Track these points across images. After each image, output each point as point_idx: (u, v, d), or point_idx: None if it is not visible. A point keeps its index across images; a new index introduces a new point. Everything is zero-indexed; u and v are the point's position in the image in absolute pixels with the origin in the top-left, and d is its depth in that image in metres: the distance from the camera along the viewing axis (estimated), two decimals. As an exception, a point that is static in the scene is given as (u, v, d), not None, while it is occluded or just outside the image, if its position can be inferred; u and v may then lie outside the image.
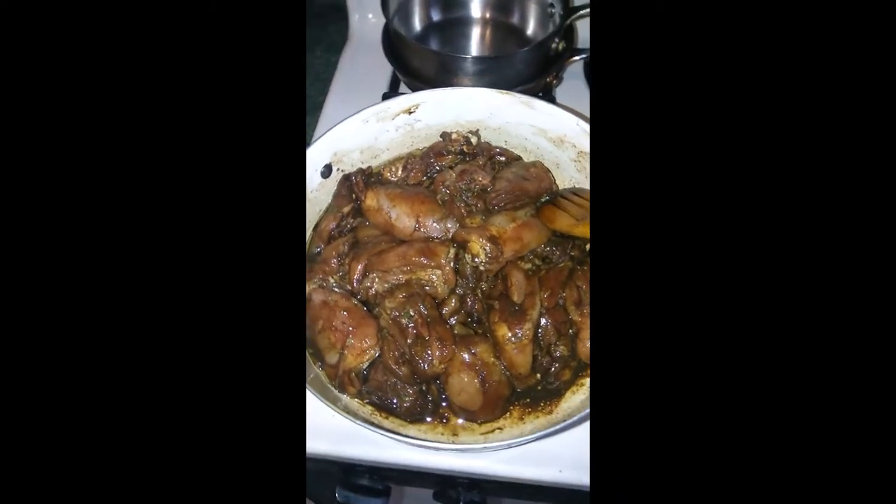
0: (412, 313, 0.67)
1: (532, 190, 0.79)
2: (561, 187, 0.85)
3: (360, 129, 0.80)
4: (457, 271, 0.71)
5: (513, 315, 0.68)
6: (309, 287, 0.72)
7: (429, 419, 0.70)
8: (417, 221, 0.74)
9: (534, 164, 0.83)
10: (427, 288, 0.70)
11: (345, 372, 0.67)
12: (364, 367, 0.69)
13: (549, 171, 0.83)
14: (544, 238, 0.75)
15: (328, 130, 0.79)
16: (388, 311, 0.68)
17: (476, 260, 0.71)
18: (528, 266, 0.75)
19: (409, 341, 0.67)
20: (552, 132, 0.82)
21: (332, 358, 0.68)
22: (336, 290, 0.71)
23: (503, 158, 0.84)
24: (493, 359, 0.68)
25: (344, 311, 0.68)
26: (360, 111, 0.79)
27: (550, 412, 0.71)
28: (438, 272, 0.70)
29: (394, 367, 0.67)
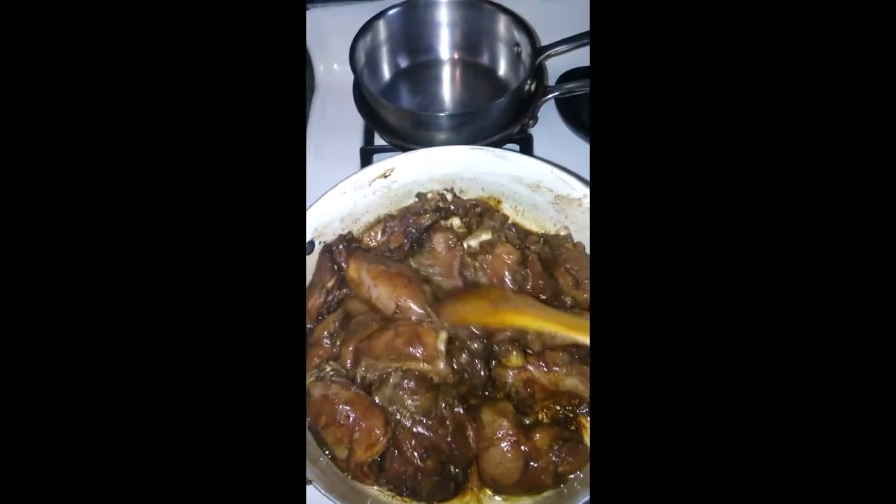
0: (443, 405, 0.67)
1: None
2: (543, 227, 0.87)
3: (339, 200, 0.81)
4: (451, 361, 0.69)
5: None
6: (307, 379, 0.70)
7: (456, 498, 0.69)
8: (397, 306, 0.73)
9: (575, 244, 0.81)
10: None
11: (356, 465, 0.66)
12: (377, 458, 0.67)
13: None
14: None
15: (308, 207, 0.79)
16: (409, 413, 0.67)
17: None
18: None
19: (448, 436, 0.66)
20: (527, 179, 0.84)
21: (341, 453, 0.67)
22: (335, 379, 0.70)
23: (479, 209, 0.85)
24: (546, 445, 0.66)
25: (346, 403, 0.67)
26: (336, 184, 0.80)
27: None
28: (429, 367, 0.68)
29: (419, 463, 0.66)
